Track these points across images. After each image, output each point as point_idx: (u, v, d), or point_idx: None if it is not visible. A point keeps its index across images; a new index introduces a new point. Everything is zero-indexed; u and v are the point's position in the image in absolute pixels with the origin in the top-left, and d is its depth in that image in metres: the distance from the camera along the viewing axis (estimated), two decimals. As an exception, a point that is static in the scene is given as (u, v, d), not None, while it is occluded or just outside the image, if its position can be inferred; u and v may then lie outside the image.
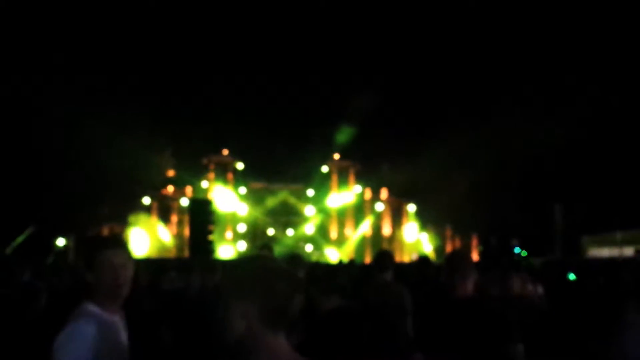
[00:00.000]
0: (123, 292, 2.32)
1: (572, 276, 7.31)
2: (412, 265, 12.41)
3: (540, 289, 5.31)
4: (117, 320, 2.33)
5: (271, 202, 30.46)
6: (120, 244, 2.42)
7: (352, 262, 14.52)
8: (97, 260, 2.29)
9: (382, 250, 7.08)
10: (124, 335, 2.35)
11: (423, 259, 6.29)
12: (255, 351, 1.47)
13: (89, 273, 2.29)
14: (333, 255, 28.14)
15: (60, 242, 25.15)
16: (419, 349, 3.09)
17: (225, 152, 29.93)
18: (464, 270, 3.20)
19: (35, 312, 4.15)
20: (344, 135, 29.45)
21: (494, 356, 2.93)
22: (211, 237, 15.44)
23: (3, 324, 3.89)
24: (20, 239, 23.84)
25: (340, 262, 13.09)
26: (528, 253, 21.76)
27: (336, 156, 30.51)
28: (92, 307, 2.24)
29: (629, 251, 24.64)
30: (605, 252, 26.20)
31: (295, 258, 5.14)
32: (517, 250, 21.75)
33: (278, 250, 27.13)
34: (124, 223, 26.62)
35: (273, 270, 1.54)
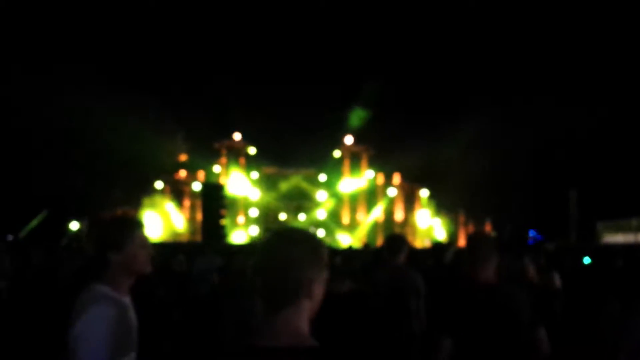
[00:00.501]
0: (147, 271, 2.40)
1: (587, 260, 7.26)
2: (425, 250, 12.33)
3: (556, 275, 5.30)
4: (128, 301, 2.37)
5: (283, 186, 30.46)
6: (143, 224, 2.47)
7: (367, 246, 14.42)
8: (128, 239, 2.33)
9: (393, 234, 7.04)
10: (134, 317, 2.39)
11: (437, 245, 6.27)
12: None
13: (114, 252, 2.30)
14: (345, 240, 28.14)
15: (74, 225, 25.41)
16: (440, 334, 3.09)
17: (238, 136, 29.91)
18: (485, 254, 3.12)
19: (52, 292, 4.23)
20: (356, 119, 29.32)
21: (517, 341, 2.92)
22: (223, 222, 15.45)
23: (24, 304, 4.01)
24: (34, 223, 24.12)
25: (350, 248, 13.02)
26: (543, 238, 21.63)
27: (349, 141, 30.36)
28: (106, 289, 2.27)
29: (644, 237, 24.51)
30: (620, 238, 26.06)
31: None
32: (532, 233, 21.64)
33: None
34: (136, 207, 26.81)
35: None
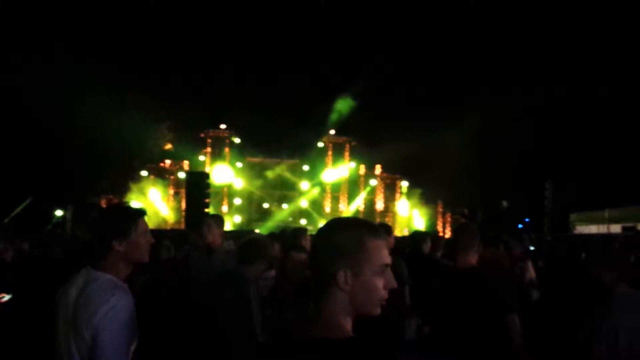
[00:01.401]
0: (146, 260, 2.41)
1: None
2: (404, 239, 12.73)
3: (530, 264, 5.38)
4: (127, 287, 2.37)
5: (267, 176, 30.86)
6: (145, 212, 2.48)
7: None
8: (132, 227, 2.33)
9: (380, 222, 7.19)
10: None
11: (416, 234, 6.27)
12: None
13: (118, 240, 2.29)
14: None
15: (58, 212, 25.54)
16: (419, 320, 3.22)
17: (223, 126, 30.19)
18: (466, 241, 3.28)
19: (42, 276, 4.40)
20: (340, 110, 29.72)
21: (491, 324, 3.05)
22: (207, 210, 15.71)
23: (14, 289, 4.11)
24: (18, 209, 24.21)
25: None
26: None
27: (332, 132, 30.80)
28: (113, 278, 2.26)
29: (616, 228, 25.04)
30: (593, 229, 26.63)
31: (299, 231, 5.37)
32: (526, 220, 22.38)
33: (272, 224, 27.75)
34: (122, 195, 26.97)
35: None
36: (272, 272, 3.88)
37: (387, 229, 5.24)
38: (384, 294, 1.49)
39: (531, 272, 5.13)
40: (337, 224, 1.55)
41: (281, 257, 4.08)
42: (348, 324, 1.48)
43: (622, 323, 2.66)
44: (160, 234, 11.73)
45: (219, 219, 4.88)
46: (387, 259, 1.51)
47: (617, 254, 3.01)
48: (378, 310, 1.49)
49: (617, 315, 2.69)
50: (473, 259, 3.26)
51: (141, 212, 2.42)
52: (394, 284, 1.51)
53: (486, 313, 3.05)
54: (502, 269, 4.44)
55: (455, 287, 3.19)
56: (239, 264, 3.60)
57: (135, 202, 27.09)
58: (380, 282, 1.49)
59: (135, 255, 2.34)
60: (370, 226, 1.54)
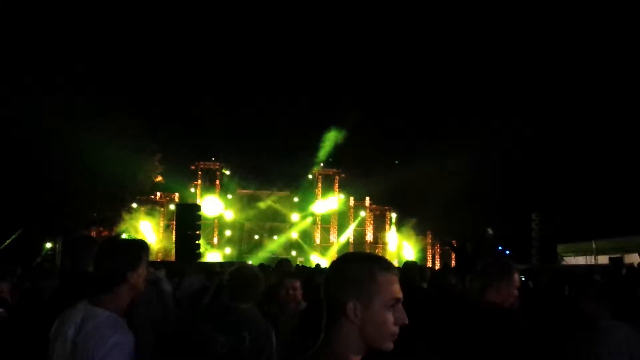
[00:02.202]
0: (142, 290, 2.45)
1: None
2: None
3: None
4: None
5: (257, 207, 30.95)
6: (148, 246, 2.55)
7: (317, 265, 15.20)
8: (141, 260, 2.38)
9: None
10: None
11: (407, 264, 6.17)
12: None
13: (130, 273, 2.32)
14: (317, 260, 28.67)
15: (48, 245, 25.38)
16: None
17: (213, 158, 30.39)
18: (490, 278, 3.08)
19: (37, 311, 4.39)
20: (329, 143, 30.05)
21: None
22: (198, 242, 15.72)
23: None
24: (8, 241, 24.02)
25: (318, 266, 13.64)
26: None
27: (321, 164, 31.09)
28: (112, 314, 2.25)
29: (603, 259, 25.17)
30: (580, 260, 26.78)
31: (283, 262, 5.48)
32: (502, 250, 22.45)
33: (262, 255, 27.75)
34: (112, 227, 26.89)
35: None
36: None
37: None
38: (394, 329, 1.47)
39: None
40: (350, 257, 1.57)
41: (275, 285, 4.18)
42: (357, 358, 1.46)
43: (605, 356, 2.62)
44: (152, 265, 11.75)
45: None
46: (399, 293, 1.50)
47: (597, 285, 3.04)
48: (390, 345, 1.47)
49: (600, 348, 2.65)
50: (495, 295, 3.04)
51: (146, 244, 2.49)
52: (405, 320, 1.49)
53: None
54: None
55: (479, 328, 2.95)
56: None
57: (125, 234, 27.14)
58: (390, 317, 1.47)
59: (139, 286, 2.37)
60: (382, 260, 1.54)
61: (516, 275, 3.07)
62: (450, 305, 3.39)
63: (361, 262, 1.51)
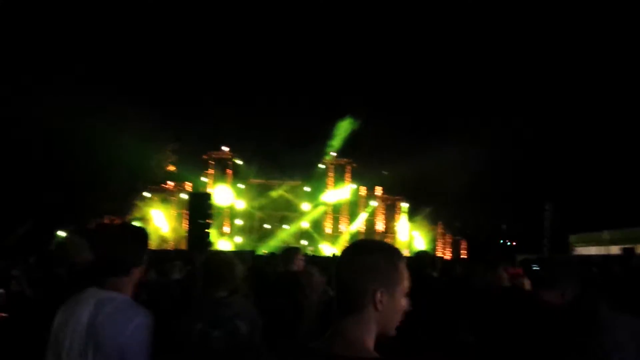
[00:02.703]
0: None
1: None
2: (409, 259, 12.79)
3: (526, 280, 5.37)
4: None
5: (268, 197, 31.04)
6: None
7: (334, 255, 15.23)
8: (146, 248, 2.43)
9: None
10: None
11: (419, 254, 6.16)
12: None
13: (140, 260, 2.37)
14: (327, 250, 28.76)
15: (61, 234, 25.66)
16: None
17: (225, 148, 30.47)
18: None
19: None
20: (341, 132, 30.02)
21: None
22: (209, 231, 15.81)
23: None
24: (21, 230, 24.32)
25: (334, 256, 13.67)
26: (516, 249, 22.31)
27: (333, 154, 31.08)
28: (128, 297, 2.29)
29: (615, 250, 25.01)
30: (592, 250, 26.65)
31: (292, 250, 5.31)
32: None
33: (273, 244, 27.89)
34: (124, 216, 27.11)
35: None
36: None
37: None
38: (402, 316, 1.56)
39: (527, 287, 4.84)
40: (370, 246, 1.61)
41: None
42: (372, 344, 1.50)
43: (609, 346, 2.57)
44: (164, 255, 11.88)
45: None
46: (409, 282, 1.57)
47: (596, 276, 3.06)
48: (395, 332, 1.55)
49: (604, 339, 2.59)
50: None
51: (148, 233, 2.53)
52: (408, 306, 1.57)
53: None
54: (500, 286, 4.61)
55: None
56: None
57: (136, 222, 27.27)
58: (405, 304, 1.55)
59: (141, 274, 2.40)
60: (398, 250, 1.62)
61: None
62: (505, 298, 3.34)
63: (384, 251, 1.56)
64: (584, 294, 2.93)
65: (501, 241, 21.65)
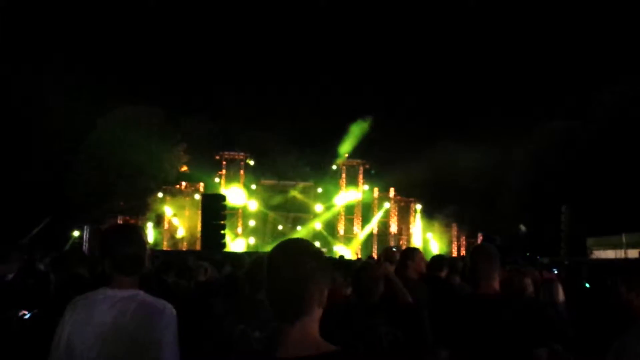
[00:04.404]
0: None
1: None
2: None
3: (559, 288, 4.96)
4: None
5: (281, 198, 30.93)
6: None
7: (369, 258, 14.96)
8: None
9: (408, 247, 6.90)
10: None
11: (434, 259, 5.92)
12: None
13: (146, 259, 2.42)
14: (341, 251, 28.58)
15: (76, 233, 25.75)
16: (441, 345, 3.08)
17: (238, 148, 30.44)
18: (488, 266, 3.08)
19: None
20: (354, 134, 29.86)
21: (518, 358, 2.85)
22: (223, 232, 15.78)
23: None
24: (37, 229, 24.43)
25: (342, 257, 13.50)
26: (533, 253, 22.00)
27: (346, 155, 30.91)
28: (145, 293, 2.34)
29: (634, 253, 24.71)
30: (610, 254, 26.30)
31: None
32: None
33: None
34: (137, 216, 27.18)
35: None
36: None
37: (414, 253, 4.97)
38: None
39: (561, 296, 4.76)
40: (301, 247, 1.62)
41: None
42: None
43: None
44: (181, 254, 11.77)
45: None
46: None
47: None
48: None
49: None
50: (495, 284, 3.06)
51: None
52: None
53: (512, 345, 2.83)
54: (527, 297, 4.33)
55: (479, 315, 2.96)
56: None
57: (150, 223, 27.37)
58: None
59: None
60: (318, 247, 1.69)
61: None
62: None
63: (314, 250, 1.61)
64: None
65: (527, 254, 21.19)
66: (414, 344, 3.19)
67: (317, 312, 1.56)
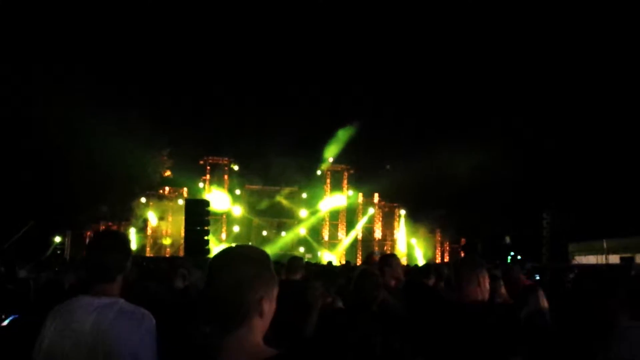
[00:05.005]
0: None
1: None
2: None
3: (541, 294, 4.99)
4: None
5: (265, 203, 30.85)
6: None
7: (347, 264, 15.01)
8: (130, 254, 2.49)
9: (388, 253, 6.97)
10: None
11: (423, 267, 5.92)
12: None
13: (128, 265, 2.41)
14: (325, 257, 28.59)
15: (57, 239, 25.48)
16: (418, 352, 3.08)
17: (222, 153, 30.33)
18: (469, 275, 3.13)
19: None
20: (339, 139, 29.91)
21: None
22: (207, 237, 15.69)
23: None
24: (19, 234, 24.13)
25: (330, 264, 13.48)
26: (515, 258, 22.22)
27: (330, 160, 30.95)
28: (125, 301, 2.31)
29: (614, 259, 25.03)
30: (591, 259, 26.63)
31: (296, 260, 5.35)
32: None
33: (272, 251, 27.67)
34: (120, 222, 26.96)
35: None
36: None
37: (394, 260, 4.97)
38: None
39: (544, 303, 4.61)
40: (243, 254, 1.58)
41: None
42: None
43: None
44: (173, 261, 11.71)
45: None
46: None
47: (623, 284, 2.94)
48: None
49: (623, 350, 2.53)
50: (475, 291, 3.10)
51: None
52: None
53: (486, 353, 2.84)
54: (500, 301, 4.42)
55: (456, 322, 3.00)
56: None
57: (133, 228, 27.14)
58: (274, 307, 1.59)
59: (128, 278, 2.49)
60: (266, 252, 1.64)
61: None
62: None
63: (258, 257, 1.57)
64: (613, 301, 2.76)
65: (512, 254, 21.27)
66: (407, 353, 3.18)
67: (257, 322, 1.51)
